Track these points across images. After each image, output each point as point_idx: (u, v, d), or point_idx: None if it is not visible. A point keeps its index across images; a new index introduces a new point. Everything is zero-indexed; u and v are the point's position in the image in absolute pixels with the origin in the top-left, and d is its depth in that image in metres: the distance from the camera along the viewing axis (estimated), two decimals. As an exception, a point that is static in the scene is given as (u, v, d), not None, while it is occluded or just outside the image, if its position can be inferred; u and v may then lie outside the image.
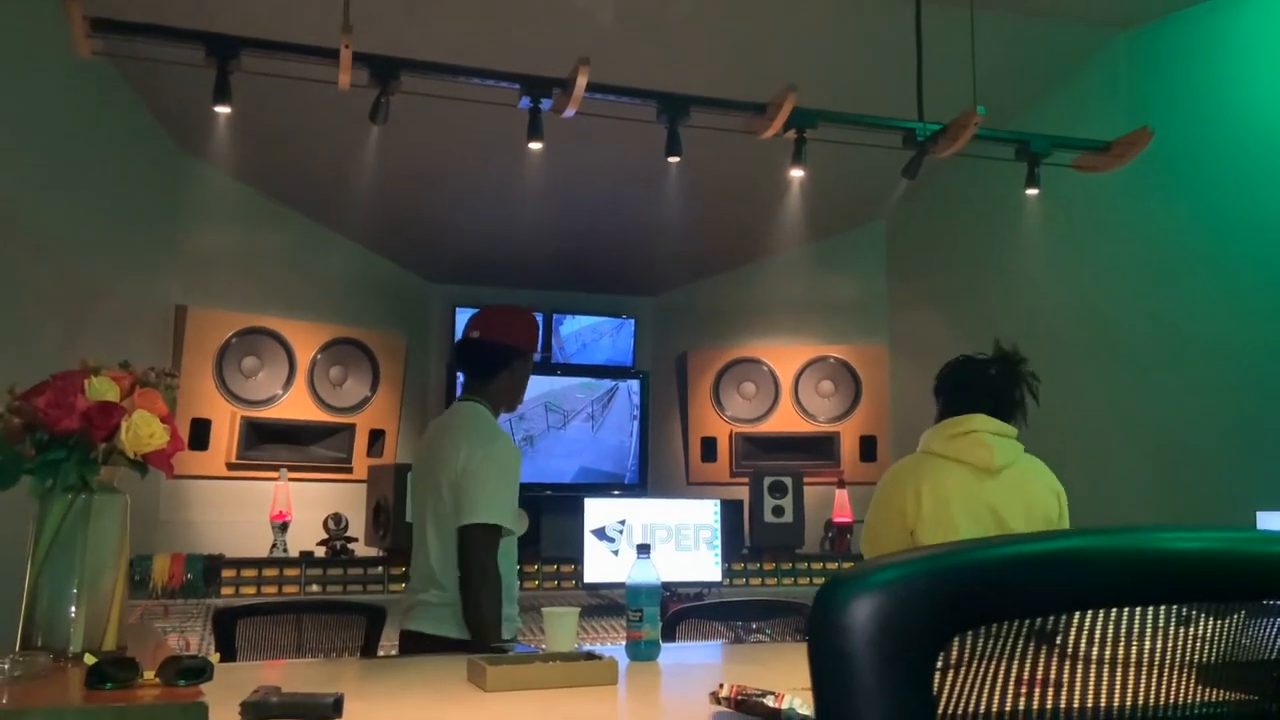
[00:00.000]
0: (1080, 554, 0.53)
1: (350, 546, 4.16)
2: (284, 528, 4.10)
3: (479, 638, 2.26)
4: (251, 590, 3.71)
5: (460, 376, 4.93)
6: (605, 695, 1.63)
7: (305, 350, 4.52)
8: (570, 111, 3.06)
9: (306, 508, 4.28)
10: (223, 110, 2.89)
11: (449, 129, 3.93)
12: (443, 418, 2.71)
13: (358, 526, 4.27)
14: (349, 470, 4.61)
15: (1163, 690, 0.71)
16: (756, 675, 1.72)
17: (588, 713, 1.49)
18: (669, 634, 2.80)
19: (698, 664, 2.08)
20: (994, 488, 2.35)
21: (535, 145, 3.17)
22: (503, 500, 2.40)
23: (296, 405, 4.49)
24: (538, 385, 5.12)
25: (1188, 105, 3.87)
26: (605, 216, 4.72)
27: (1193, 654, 0.73)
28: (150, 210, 4.19)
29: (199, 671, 1.13)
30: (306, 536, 4.15)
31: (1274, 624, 0.71)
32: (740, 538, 4.53)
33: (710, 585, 4.06)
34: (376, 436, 4.71)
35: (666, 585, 3.13)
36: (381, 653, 2.71)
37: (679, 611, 3.07)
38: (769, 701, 1.38)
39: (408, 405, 4.89)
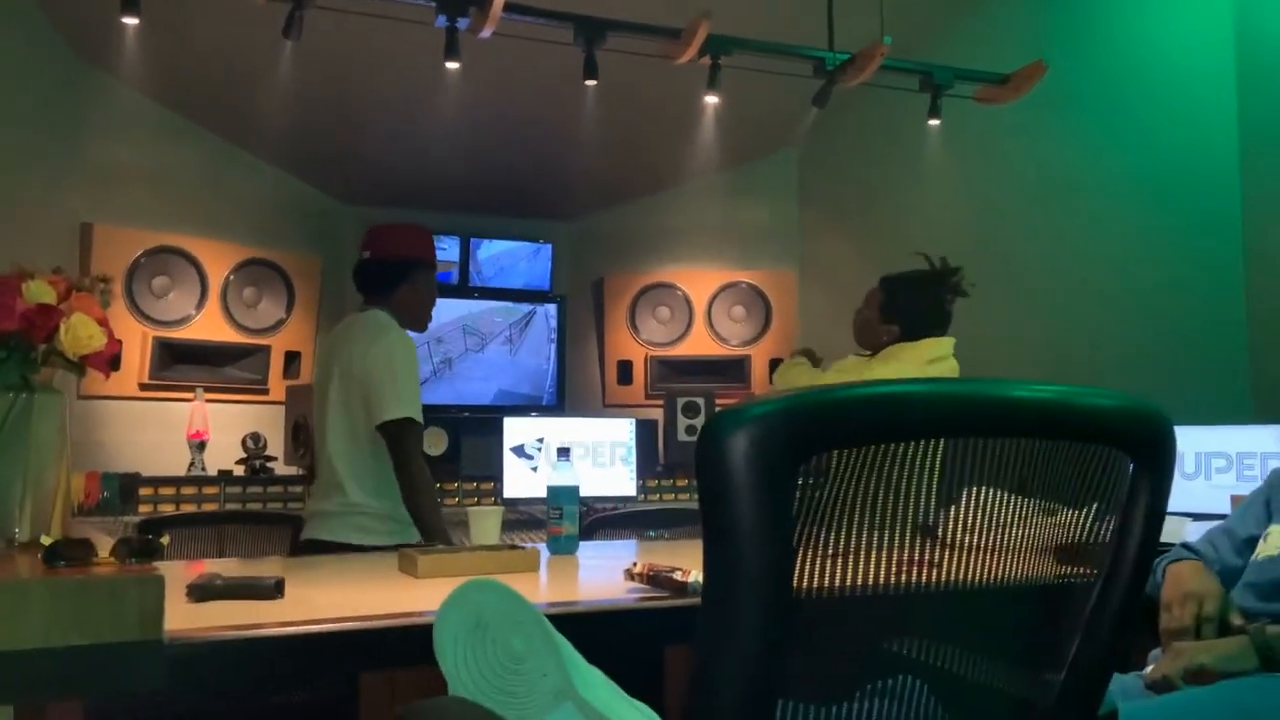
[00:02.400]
0: (907, 396, 0.67)
1: (269, 465, 4.20)
2: (201, 447, 4.11)
3: (429, 541, 2.31)
4: (170, 508, 3.73)
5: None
6: (528, 579, 1.77)
7: (218, 271, 4.47)
8: (487, 32, 3.07)
9: (222, 430, 4.29)
10: (130, 21, 2.84)
11: (365, 47, 3.89)
12: (339, 327, 2.69)
13: (275, 448, 4.30)
14: (265, 392, 4.61)
15: (1026, 569, 0.87)
16: (667, 561, 1.87)
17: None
18: (586, 540, 2.95)
19: (613, 555, 2.23)
20: None
21: (452, 65, 3.19)
22: (411, 393, 2.40)
23: (210, 326, 4.46)
24: (455, 309, 5.17)
25: (1083, 38, 4.07)
26: (523, 140, 4.74)
27: (1052, 539, 0.89)
28: (53, 125, 4.06)
29: (152, 551, 1.22)
30: (223, 457, 4.17)
31: (1113, 518, 0.86)
32: (654, 456, 4.71)
33: (625, 499, 4.23)
34: (292, 358, 4.71)
35: (583, 500, 3.26)
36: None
37: (594, 520, 3.23)
38: (677, 576, 1.53)
39: (324, 327, 4.88)
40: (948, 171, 4.42)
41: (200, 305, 4.43)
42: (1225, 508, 2.78)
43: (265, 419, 4.45)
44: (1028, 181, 4.26)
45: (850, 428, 0.65)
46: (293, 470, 4.19)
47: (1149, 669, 1.45)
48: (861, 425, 0.66)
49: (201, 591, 1.45)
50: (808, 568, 0.70)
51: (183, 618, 1.28)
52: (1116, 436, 0.80)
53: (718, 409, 4.65)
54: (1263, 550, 1.61)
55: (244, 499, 3.96)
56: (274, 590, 1.48)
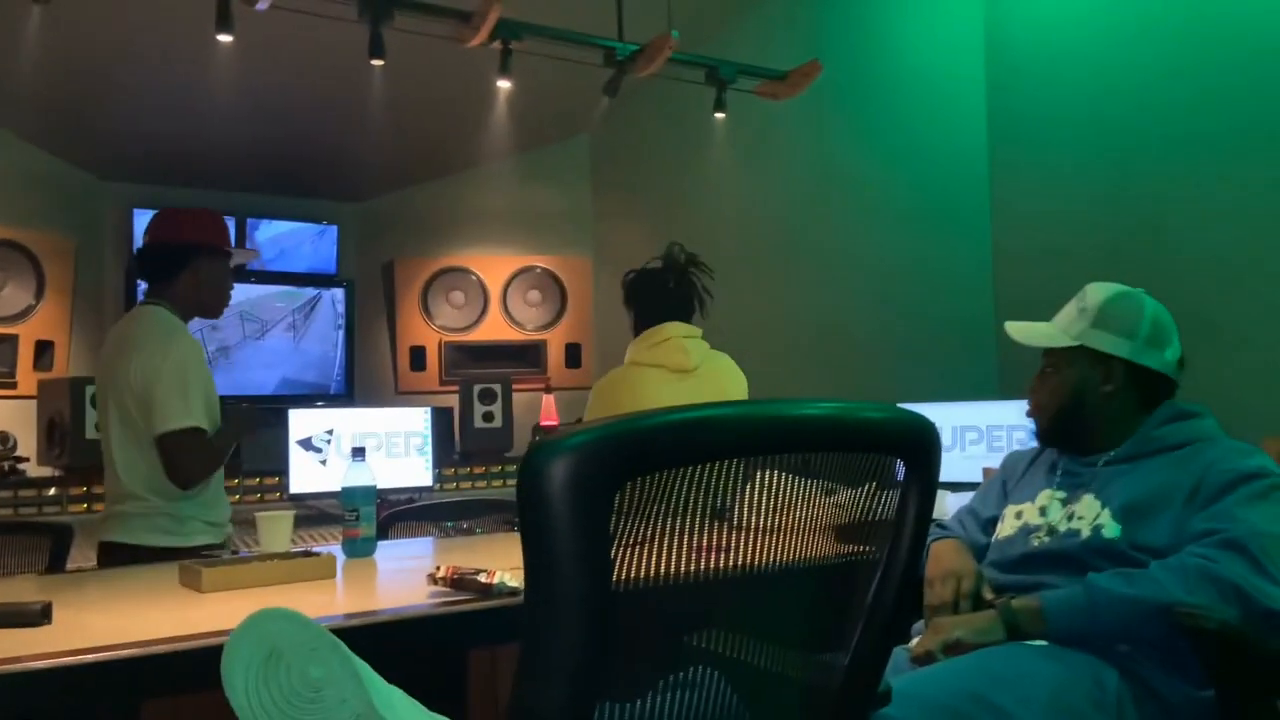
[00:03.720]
0: (712, 420, 0.72)
1: (20, 467, 3.83)
2: (-63, 450, 3.69)
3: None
4: (-99, 520, 3.33)
5: (141, 284, 4.62)
6: (325, 588, 1.71)
7: (-47, 253, 4.02)
8: (263, 4, 2.92)
9: (-37, 428, 3.87)
10: None
11: (125, 10, 3.58)
12: (120, 324, 2.56)
13: (27, 445, 3.93)
14: (12, 385, 4.19)
15: (810, 548, 0.93)
16: (470, 560, 1.87)
17: (308, 602, 1.56)
18: (381, 537, 2.87)
19: (413, 555, 2.19)
20: (690, 385, 2.64)
21: (225, 38, 3.01)
22: (194, 401, 2.32)
23: (-55, 315, 4.01)
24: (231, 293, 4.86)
25: (853, 39, 4.34)
26: (305, 117, 4.52)
27: (833, 518, 0.96)
28: None
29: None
30: (-35, 459, 3.76)
31: (891, 494, 0.94)
32: (451, 444, 4.65)
33: (422, 490, 4.15)
34: (44, 348, 4.31)
35: (378, 493, 3.18)
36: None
37: (390, 515, 3.14)
38: (482, 578, 1.53)
39: (80, 314, 4.49)
40: (733, 161, 4.60)
41: (-68, 291, 3.97)
42: (978, 477, 3.06)
43: (14, 416, 4.05)
44: (805, 172, 4.51)
45: (659, 453, 0.69)
46: (48, 472, 3.84)
47: (913, 642, 1.59)
48: (669, 451, 0.70)
49: (-48, 624, 1.32)
50: (622, 573, 0.74)
51: (-69, 656, 1.16)
52: (889, 446, 0.88)
53: (514, 391, 4.67)
54: (1001, 530, 1.80)
55: (-9, 505, 3.60)
56: (40, 616, 1.36)
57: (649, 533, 0.76)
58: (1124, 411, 1.75)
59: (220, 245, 2.54)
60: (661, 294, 2.71)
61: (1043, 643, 1.51)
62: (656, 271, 2.73)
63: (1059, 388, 1.77)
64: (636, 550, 0.76)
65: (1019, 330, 1.83)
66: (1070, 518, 1.68)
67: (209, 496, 2.41)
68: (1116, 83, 3.53)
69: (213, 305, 2.55)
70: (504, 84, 3.49)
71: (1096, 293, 1.78)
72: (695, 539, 0.82)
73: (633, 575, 0.75)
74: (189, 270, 2.46)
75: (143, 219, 4.69)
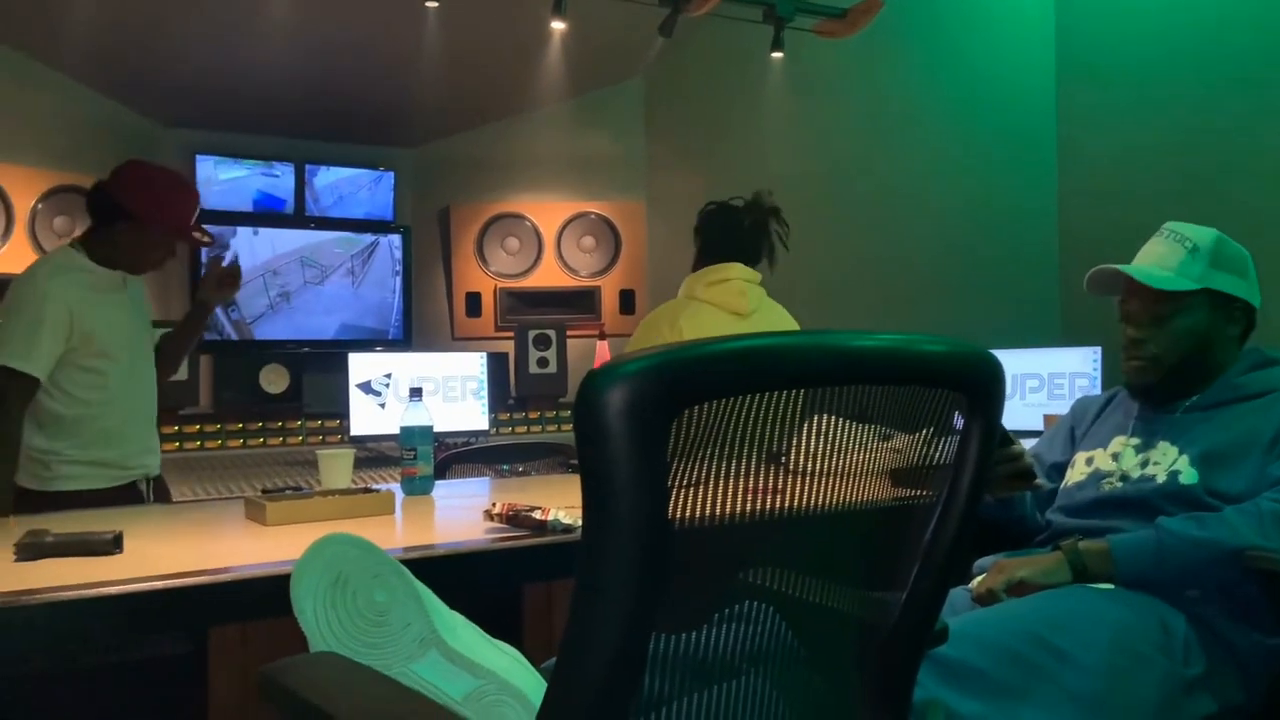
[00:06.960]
0: (769, 349, 0.71)
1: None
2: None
3: None
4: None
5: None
6: (384, 523, 1.74)
7: (23, 198, 4.13)
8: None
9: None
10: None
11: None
12: None
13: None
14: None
15: (865, 492, 0.92)
16: (525, 498, 1.89)
17: (369, 536, 1.59)
18: (439, 478, 2.92)
19: (470, 494, 2.23)
20: (744, 328, 2.62)
21: (283, -19, 3.01)
22: (11, 339, 2.18)
23: (17, 259, 4.11)
24: (291, 239, 4.95)
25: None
26: (361, 61, 4.52)
27: (890, 463, 0.94)
28: None
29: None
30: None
31: (950, 436, 0.92)
32: (506, 389, 4.69)
33: (477, 434, 4.21)
34: (114, 293, 4.42)
35: (435, 436, 3.22)
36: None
37: (448, 456, 3.19)
38: (537, 515, 1.55)
39: (148, 260, 4.58)
40: (791, 103, 4.51)
41: (5, 235, 4.09)
42: (1039, 424, 3.01)
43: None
44: (864, 112, 4.41)
45: (716, 381, 0.68)
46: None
47: (974, 582, 1.57)
48: (727, 378, 0.69)
49: (31, 551, 1.37)
50: (677, 506, 0.73)
51: (14, 578, 1.21)
52: (951, 380, 0.86)
53: (569, 339, 4.68)
54: (1071, 476, 1.76)
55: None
56: (112, 545, 1.41)
57: (704, 472, 0.76)
58: (1235, 355, 1.66)
59: (155, 222, 2.33)
60: (734, 232, 2.65)
61: (1109, 586, 1.48)
62: (735, 209, 2.66)
63: (1182, 334, 1.62)
64: (692, 490, 0.76)
65: (1136, 271, 1.64)
66: (1145, 464, 1.63)
67: (86, 438, 2.26)
68: (1188, 22, 3.38)
69: (130, 265, 2.41)
70: (558, 25, 3.45)
71: (1199, 232, 1.65)
72: (750, 481, 0.81)
73: (688, 512, 0.74)
74: (111, 228, 2.32)
75: (205, 165, 4.78)
